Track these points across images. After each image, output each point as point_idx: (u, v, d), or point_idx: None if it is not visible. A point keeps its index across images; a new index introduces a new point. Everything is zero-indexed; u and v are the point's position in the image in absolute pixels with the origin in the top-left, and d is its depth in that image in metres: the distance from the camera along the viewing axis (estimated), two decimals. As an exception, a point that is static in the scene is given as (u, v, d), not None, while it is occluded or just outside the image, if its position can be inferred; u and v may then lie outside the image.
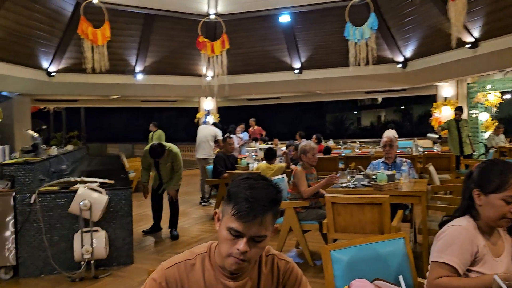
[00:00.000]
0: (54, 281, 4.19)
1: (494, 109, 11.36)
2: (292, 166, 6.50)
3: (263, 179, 1.37)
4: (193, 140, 9.05)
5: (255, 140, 11.43)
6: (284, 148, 9.97)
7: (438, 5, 8.54)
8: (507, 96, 12.58)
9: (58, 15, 9.44)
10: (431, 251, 1.81)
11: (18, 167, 4.41)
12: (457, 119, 8.63)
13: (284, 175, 5.44)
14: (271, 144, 12.20)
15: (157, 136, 10.58)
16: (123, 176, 6.03)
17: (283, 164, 6.51)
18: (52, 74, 10.33)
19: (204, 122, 12.30)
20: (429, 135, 9.91)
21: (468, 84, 11.52)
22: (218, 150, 8.18)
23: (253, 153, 8.26)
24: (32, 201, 4.29)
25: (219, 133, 8.53)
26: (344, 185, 4.39)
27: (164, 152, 5.59)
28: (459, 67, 9.49)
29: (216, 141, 8.35)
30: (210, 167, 7.20)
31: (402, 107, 22.39)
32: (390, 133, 12.33)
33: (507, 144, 9.80)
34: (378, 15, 9.57)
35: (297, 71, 11.78)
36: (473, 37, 8.43)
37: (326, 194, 3.73)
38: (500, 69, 9.54)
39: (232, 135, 8.93)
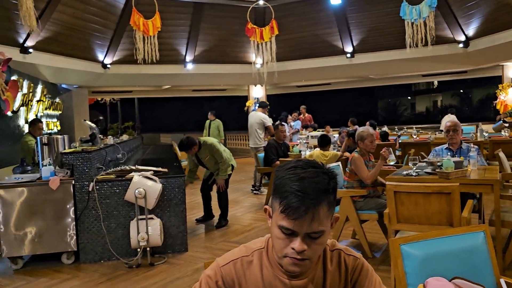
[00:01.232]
0: (112, 267, 4.27)
1: None
2: (346, 154, 6.27)
3: (312, 166, 1.20)
4: (244, 128, 9.03)
5: (306, 127, 11.21)
6: (336, 136, 9.70)
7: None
8: None
9: (111, 7, 9.64)
10: None
11: (77, 156, 4.51)
12: None
13: (339, 163, 5.23)
14: (323, 131, 11.94)
15: (215, 125, 10.42)
16: (176, 164, 6.07)
17: (338, 152, 6.28)
18: (107, 66, 10.63)
19: (254, 110, 12.22)
20: (495, 126, 9.06)
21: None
22: (269, 137, 8.00)
23: (305, 141, 8.06)
24: (90, 189, 4.38)
25: (266, 120, 8.26)
26: (405, 172, 4.13)
27: (191, 145, 5.45)
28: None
29: (266, 128, 8.14)
30: (261, 155, 7.09)
31: (461, 91, 21.08)
32: (449, 118, 11.68)
33: None
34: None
35: (349, 55, 11.37)
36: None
37: (387, 183, 3.50)
38: None
39: (283, 123, 8.71)
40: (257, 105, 8.99)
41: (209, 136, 9.33)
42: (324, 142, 6.16)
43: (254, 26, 10.46)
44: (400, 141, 8.50)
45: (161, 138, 23.34)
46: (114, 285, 3.80)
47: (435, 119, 14.20)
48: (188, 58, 11.69)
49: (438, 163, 4.02)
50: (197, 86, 14.83)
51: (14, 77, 7.27)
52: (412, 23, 8.90)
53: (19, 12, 6.11)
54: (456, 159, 4.04)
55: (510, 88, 10.61)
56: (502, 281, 1.23)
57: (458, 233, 1.97)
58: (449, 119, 10.92)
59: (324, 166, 1.22)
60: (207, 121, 11.13)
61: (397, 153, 7.58)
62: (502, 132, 8.25)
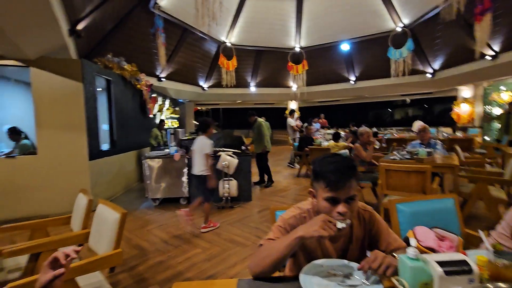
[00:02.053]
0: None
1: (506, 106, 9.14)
2: (350, 144, 5.95)
3: (336, 155, 1.13)
4: (283, 128, 8.89)
5: (323, 127, 10.81)
6: (343, 133, 9.28)
7: (462, 26, 6.98)
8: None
9: (208, 53, 9.77)
10: None
11: (190, 141, 4.62)
12: (509, 111, 6.11)
13: (347, 150, 4.95)
14: (334, 130, 11.49)
15: (267, 125, 10.31)
16: (244, 148, 6.05)
17: (345, 143, 5.97)
18: (205, 88, 10.83)
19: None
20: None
21: (485, 87, 9.41)
22: (301, 134, 7.79)
23: (323, 136, 7.77)
24: (196, 161, 4.48)
25: (291, 123, 8.10)
26: (392, 157, 3.82)
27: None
28: (479, 74, 7.74)
29: (301, 130, 7.97)
30: (296, 143, 6.93)
31: (425, 105, 19.33)
32: (418, 123, 10.74)
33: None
34: (414, 39, 8.24)
35: (352, 82, 10.75)
36: (493, 50, 6.74)
37: (381, 164, 3.24)
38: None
39: (312, 124, 8.43)
40: (294, 113, 8.74)
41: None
42: (336, 137, 5.88)
43: (292, 64, 10.18)
44: (385, 137, 7.97)
45: (235, 132, 23.68)
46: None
47: (407, 124, 13.11)
48: (252, 83, 11.62)
49: (415, 152, 3.69)
50: (257, 101, 14.76)
51: (154, 95, 7.58)
52: (395, 60, 8.25)
53: (158, 57, 6.30)
54: (428, 149, 3.68)
55: (462, 103, 9.56)
56: (480, 232, 1.07)
57: (436, 198, 1.78)
58: (418, 123, 10.07)
59: (343, 155, 1.16)
60: (262, 122, 11.12)
61: (384, 145, 7.11)
62: (457, 133, 7.48)
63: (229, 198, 4.35)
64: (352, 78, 10.77)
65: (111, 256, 1.53)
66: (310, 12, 9.09)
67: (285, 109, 13.97)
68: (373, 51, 9.69)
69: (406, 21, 8.35)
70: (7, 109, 5.13)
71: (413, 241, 0.92)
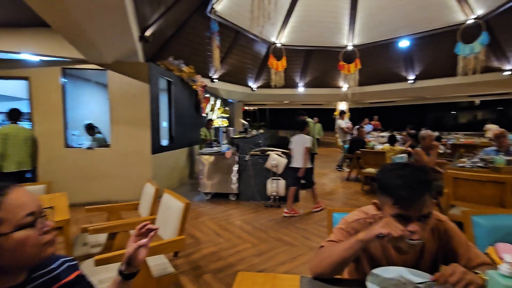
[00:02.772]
0: (256, 205, 4.43)
1: None
2: (409, 148, 5.49)
3: (406, 166, 0.98)
4: (330, 129, 8.60)
5: (376, 130, 10.18)
6: (399, 136, 8.61)
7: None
8: None
9: (258, 54, 9.93)
10: None
11: (241, 140, 4.76)
12: None
13: (405, 154, 4.59)
14: (389, 132, 10.73)
15: (318, 126, 10.08)
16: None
17: (403, 147, 5.53)
18: (254, 89, 11.04)
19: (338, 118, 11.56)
20: None
21: None
22: (352, 135, 7.43)
23: (376, 138, 7.31)
24: (246, 159, 4.60)
25: (343, 124, 7.78)
26: (460, 165, 3.43)
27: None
28: None
29: (341, 128, 7.62)
30: (346, 146, 6.64)
31: (499, 108, 16.86)
32: (493, 127, 9.44)
33: None
34: (489, 32, 7.25)
35: (411, 81, 9.91)
36: None
37: (448, 171, 2.93)
38: None
39: (364, 127, 8.00)
40: (344, 114, 8.37)
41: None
42: (392, 140, 5.46)
43: (344, 63, 9.77)
44: (450, 142, 7.16)
45: (280, 133, 23.71)
46: (258, 215, 3.93)
47: (475, 128, 11.63)
48: (300, 84, 11.50)
49: (490, 160, 3.25)
50: (305, 102, 14.54)
51: (207, 95, 7.97)
52: (465, 57, 7.35)
53: (212, 59, 6.60)
54: (507, 157, 3.21)
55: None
56: None
57: (523, 213, 1.53)
58: (493, 128, 8.83)
59: (416, 166, 1.00)
60: (311, 123, 10.89)
61: (448, 151, 6.40)
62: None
63: (277, 197, 4.37)
64: (411, 77, 9.94)
65: (176, 242, 1.67)
66: (365, 8, 8.63)
67: (334, 110, 13.51)
68: (437, 47, 8.80)
69: (480, 12, 7.40)
70: (87, 107, 5.91)
71: (508, 257, 0.82)
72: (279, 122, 19.46)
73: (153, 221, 2.05)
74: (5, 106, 6.38)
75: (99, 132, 4.98)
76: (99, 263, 1.41)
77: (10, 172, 3.59)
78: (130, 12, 3.55)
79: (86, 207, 2.27)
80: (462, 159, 3.63)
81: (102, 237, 2.07)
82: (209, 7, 6.81)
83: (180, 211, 1.77)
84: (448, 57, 8.22)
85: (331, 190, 5.42)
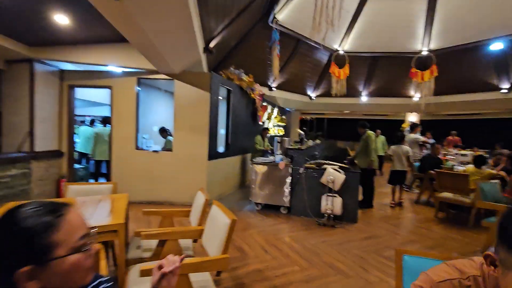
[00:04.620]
0: (308, 221, 4.17)
1: None
2: (501, 172, 4.50)
3: None
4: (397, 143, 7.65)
5: (455, 146, 8.77)
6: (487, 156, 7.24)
7: None
8: None
9: (319, 62, 9.64)
10: None
11: (296, 151, 4.58)
12: None
13: (497, 180, 3.76)
14: (470, 150, 9.14)
15: (381, 140, 8.75)
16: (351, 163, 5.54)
17: (493, 171, 4.57)
18: (312, 98, 10.74)
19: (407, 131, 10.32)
20: None
21: None
22: (424, 152, 6.51)
23: (455, 157, 6.24)
24: (300, 172, 4.38)
25: (421, 138, 6.81)
26: None
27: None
28: None
29: (422, 144, 6.67)
30: (417, 163, 5.84)
31: None
32: None
33: None
34: None
35: (505, 90, 8.30)
36: None
37: None
38: None
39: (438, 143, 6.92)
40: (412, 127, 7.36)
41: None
42: (480, 162, 4.55)
43: (417, 70, 8.73)
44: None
45: (338, 143, 22.53)
46: (309, 234, 3.68)
47: None
48: (363, 93, 10.74)
49: None
50: (367, 112, 13.50)
51: (264, 103, 8.00)
52: None
53: (272, 68, 6.59)
54: None
55: None
56: None
57: None
58: None
59: None
60: (372, 135, 9.94)
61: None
62: None
63: (331, 216, 4.04)
64: (505, 85, 8.34)
65: (219, 260, 1.59)
66: (446, 8, 7.60)
67: (401, 121, 12.20)
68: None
69: None
70: (157, 113, 6.48)
71: None
72: (337, 133, 18.55)
73: (200, 232, 2.03)
74: (93, 111, 7.63)
75: (171, 135, 5.39)
76: (144, 274, 1.40)
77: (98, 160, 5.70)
78: (196, 27, 3.74)
79: (143, 209, 2.38)
80: None
81: (155, 242, 2.13)
82: (271, 17, 6.85)
83: (226, 228, 1.68)
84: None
85: (396, 214, 4.80)
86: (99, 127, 5.84)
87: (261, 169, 4.60)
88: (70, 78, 5.00)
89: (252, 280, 2.47)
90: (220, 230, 1.72)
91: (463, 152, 7.47)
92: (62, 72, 4.97)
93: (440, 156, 5.83)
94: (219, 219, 1.80)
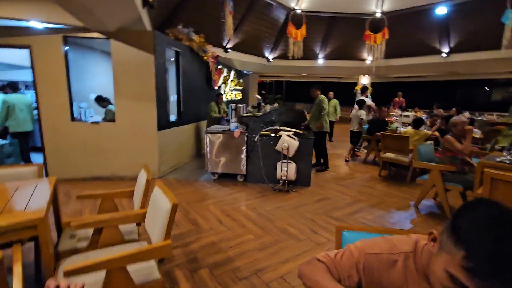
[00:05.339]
0: (264, 188, 4.23)
1: None
2: (435, 133, 4.97)
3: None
4: (350, 105, 7.95)
5: (400, 108, 9.45)
6: (424, 116, 7.95)
7: None
8: None
9: (276, 21, 9.20)
10: None
11: (250, 119, 4.45)
12: None
13: (432, 142, 4.12)
14: (411, 111, 9.96)
15: (333, 103, 8.13)
16: (306, 128, 5.62)
17: (428, 132, 5.01)
18: (270, 60, 10.43)
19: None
20: None
21: None
22: (372, 114, 6.85)
23: (398, 118, 6.70)
24: (256, 139, 4.32)
25: (368, 102, 7.00)
26: (499, 159, 2.98)
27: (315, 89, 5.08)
28: None
29: (370, 109, 6.96)
30: (365, 126, 6.16)
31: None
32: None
33: None
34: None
35: (445, 54, 8.91)
36: None
37: (486, 169, 2.53)
38: None
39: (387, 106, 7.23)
40: (366, 90, 7.57)
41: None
42: (418, 124, 4.94)
43: (370, 32, 8.84)
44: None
45: (297, 105, 22.95)
46: (265, 200, 3.74)
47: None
48: (320, 55, 10.71)
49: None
50: (324, 75, 13.69)
51: (219, 66, 7.54)
52: (512, 27, 6.35)
53: (225, 27, 6.10)
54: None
55: None
56: None
57: None
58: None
59: None
60: (326, 100, 10.00)
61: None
62: None
63: (286, 181, 4.14)
64: (445, 50, 8.93)
65: (161, 248, 1.47)
66: (401, -31, 7.55)
67: (355, 84, 12.65)
68: (480, 16, 7.70)
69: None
70: (95, 78, 5.70)
71: None
72: (296, 95, 18.75)
73: (142, 216, 1.87)
74: (8, 75, 6.35)
75: (111, 103, 4.79)
76: (67, 275, 1.24)
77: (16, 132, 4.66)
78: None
79: (76, 195, 2.11)
80: (503, 153, 3.15)
81: (91, 230, 1.92)
82: (222, -33, 6.12)
83: (167, 212, 1.55)
84: (491, 27, 7.20)
85: (346, 175, 5.11)
86: (11, 95, 4.75)
87: (216, 138, 4.43)
88: (-28, 35, 4.02)
89: (206, 254, 2.45)
90: (162, 215, 1.58)
91: (405, 113, 8.07)
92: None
93: (387, 119, 6.20)
94: (161, 203, 1.65)
